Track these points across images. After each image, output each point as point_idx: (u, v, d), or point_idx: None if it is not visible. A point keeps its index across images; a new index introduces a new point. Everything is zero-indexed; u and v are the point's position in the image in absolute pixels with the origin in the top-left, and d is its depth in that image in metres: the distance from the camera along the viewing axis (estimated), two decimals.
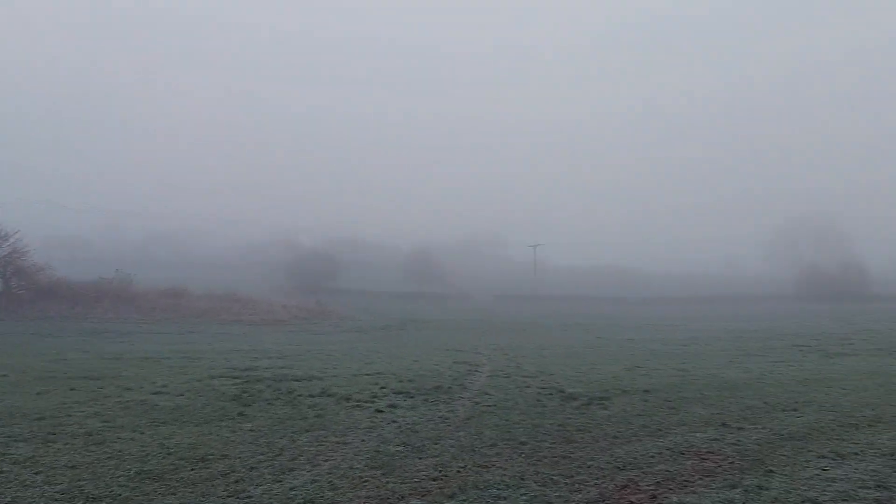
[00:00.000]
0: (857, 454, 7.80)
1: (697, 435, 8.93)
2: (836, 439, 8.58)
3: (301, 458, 7.85)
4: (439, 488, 6.61)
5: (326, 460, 7.72)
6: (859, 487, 6.50)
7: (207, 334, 31.35)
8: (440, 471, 7.21)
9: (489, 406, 11.10)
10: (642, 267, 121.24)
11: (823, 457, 7.70)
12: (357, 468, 7.35)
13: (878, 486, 6.55)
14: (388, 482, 6.84)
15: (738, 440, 8.59)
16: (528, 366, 17.29)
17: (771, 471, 7.14)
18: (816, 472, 7.09)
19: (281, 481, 6.94)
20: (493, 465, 7.43)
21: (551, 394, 12.40)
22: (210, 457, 7.87)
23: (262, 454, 8.01)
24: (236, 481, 6.92)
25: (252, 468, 7.40)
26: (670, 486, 6.64)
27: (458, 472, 7.19)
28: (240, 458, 7.84)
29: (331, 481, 6.90)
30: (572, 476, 7.01)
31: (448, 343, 25.91)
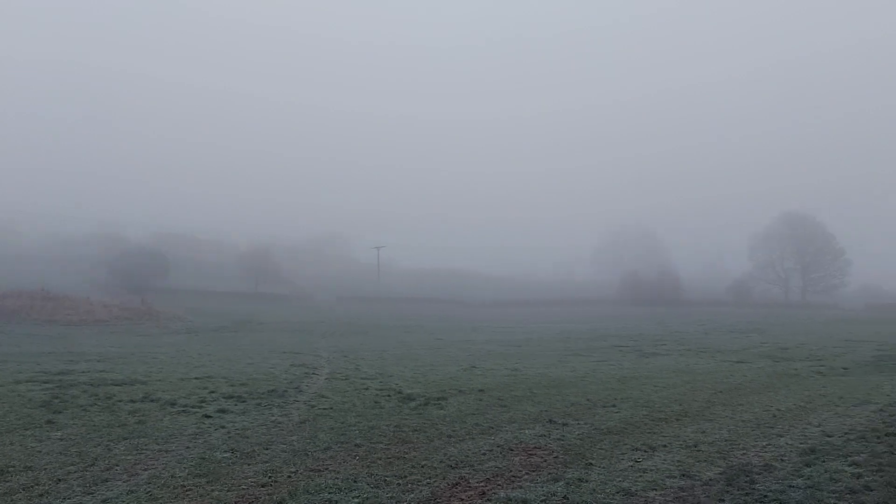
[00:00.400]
0: (665, 446, 8.48)
1: (526, 431, 9.32)
2: (648, 433, 9.29)
3: (117, 467, 7.29)
4: (268, 494, 6.37)
5: (146, 469, 7.22)
6: (667, 477, 7.06)
7: (16, 335, 28.35)
8: (270, 476, 6.96)
9: (325, 409, 10.91)
10: (482, 271, 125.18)
11: (637, 449, 8.30)
12: (179, 476, 6.92)
13: (683, 475, 7.15)
14: (212, 490, 6.49)
15: (563, 435, 9.06)
16: (367, 368, 17.24)
17: (591, 464, 7.58)
18: (630, 463, 7.62)
19: (93, 493, 6.39)
20: (326, 469, 7.29)
21: (389, 395, 12.43)
22: (11, 469, 7.15)
23: (73, 465, 7.37)
24: (41, 495, 6.31)
25: (60, 480, 6.78)
26: (499, 482, 6.85)
27: (289, 477, 6.98)
28: (46, 469, 7.16)
29: (149, 491, 6.44)
30: (405, 476, 7.04)
31: (286, 345, 25.24)
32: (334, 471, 7.22)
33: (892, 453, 8.03)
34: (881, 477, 7.01)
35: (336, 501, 6.20)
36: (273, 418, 10.12)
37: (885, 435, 9.06)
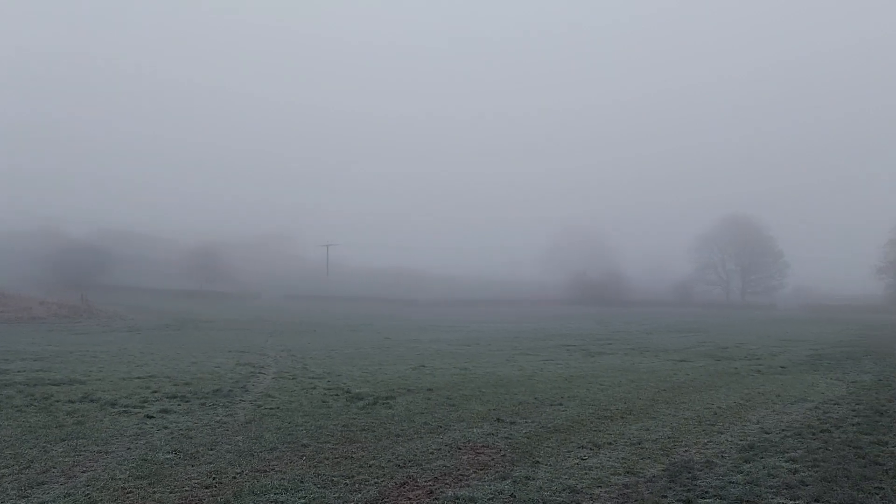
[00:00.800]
0: (610, 444, 8.64)
1: (474, 430, 9.37)
2: (594, 430, 9.44)
3: (54, 469, 7.06)
4: (212, 496, 6.25)
5: (84, 471, 7.00)
6: (611, 474, 7.20)
7: None
8: (214, 478, 6.83)
9: (271, 409, 10.76)
10: (433, 270, 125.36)
11: (583, 447, 8.43)
12: (120, 479, 6.74)
13: (627, 472, 7.30)
14: (154, 492, 6.34)
15: (511, 434, 9.14)
16: (315, 367, 17.07)
17: (538, 462, 7.67)
18: (577, 461, 7.74)
19: (28, 496, 6.18)
20: (272, 470, 7.20)
21: (337, 395, 12.34)
22: None
23: (7, 467, 7.11)
24: None
25: None
26: (447, 481, 6.87)
27: (234, 478, 6.86)
28: None
29: (88, 494, 6.26)
30: (353, 476, 7.00)
31: (232, 344, 24.79)
32: (280, 471, 7.13)
33: (827, 449, 8.35)
34: (816, 472, 7.28)
35: (282, 502, 6.13)
36: (218, 418, 9.93)
37: (820, 431, 9.42)
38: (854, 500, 6.37)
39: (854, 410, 11.11)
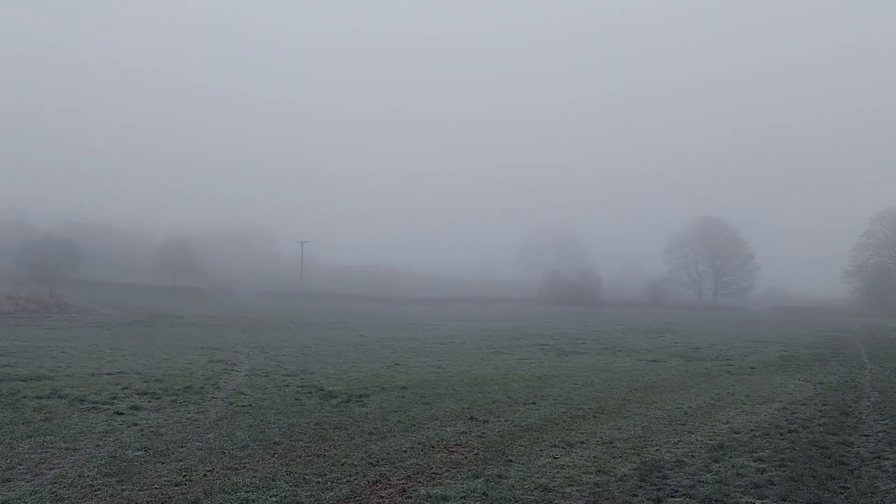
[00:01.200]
0: (582, 443, 8.71)
1: (448, 429, 9.38)
2: (567, 429, 9.51)
3: (20, 466, 6.94)
4: (182, 494, 6.19)
5: (52, 468, 6.89)
6: (583, 473, 7.26)
7: None
8: (184, 475, 6.77)
9: (244, 406, 10.68)
10: (408, 268, 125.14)
11: (555, 446, 8.49)
12: (88, 476, 6.64)
13: (599, 470, 7.36)
14: (123, 490, 6.26)
15: (484, 432, 9.17)
16: (288, 364, 16.97)
17: (510, 460, 7.71)
18: (549, 459, 7.79)
19: None
20: (244, 467, 7.14)
21: (310, 392, 12.28)
22: None
23: None
24: None
25: None
26: (419, 479, 6.88)
27: (205, 475, 6.80)
28: None
29: (55, 492, 6.16)
30: (325, 474, 6.97)
31: (204, 341, 24.53)
32: (252, 469, 7.08)
33: (794, 449, 8.50)
34: (783, 472, 7.40)
35: (253, 500, 6.09)
36: (189, 415, 9.84)
37: (788, 431, 9.58)
38: (820, 499, 6.49)
39: (821, 411, 11.32)
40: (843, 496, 6.61)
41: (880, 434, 9.49)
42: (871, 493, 6.73)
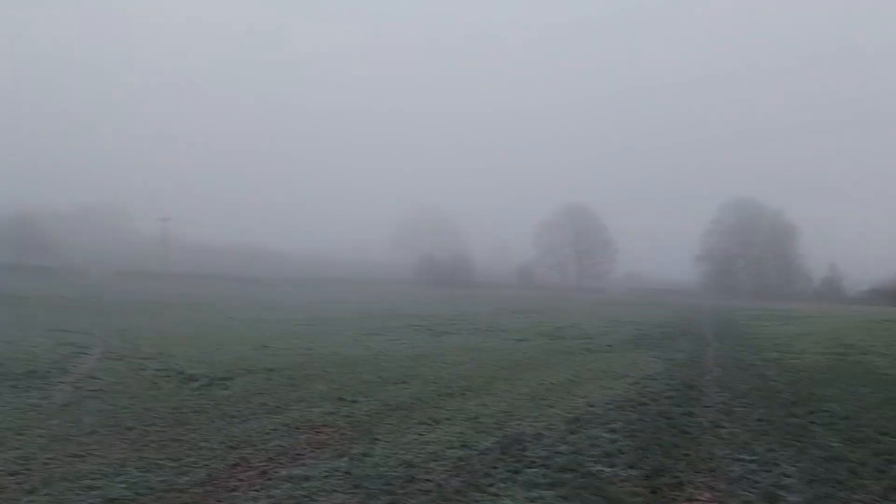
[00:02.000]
0: (448, 419, 8.86)
1: (315, 410, 9.24)
2: (435, 407, 9.64)
3: None
4: (17, 483, 5.72)
5: None
6: (447, 448, 7.38)
7: None
8: (22, 464, 6.26)
9: (94, 391, 10.03)
10: (279, 247, 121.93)
11: (423, 423, 8.58)
12: None
13: (462, 445, 7.51)
14: None
15: (352, 412, 9.11)
16: (146, 347, 16.08)
17: (377, 439, 7.71)
18: (415, 437, 7.86)
19: None
20: (90, 454, 6.70)
21: (169, 376, 11.71)
22: None
23: None
24: None
25: None
26: (282, 461, 6.73)
27: (45, 464, 6.32)
28: None
29: None
30: (181, 459, 6.66)
31: (52, 323, 22.74)
32: (99, 456, 6.65)
33: (644, 420, 9.06)
34: (633, 441, 7.87)
35: (99, 487, 5.72)
36: (30, 401, 9.11)
37: (639, 404, 10.20)
38: (664, 465, 6.95)
39: (669, 385, 12.14)
40: (684, 462, 7.11)
41: (719, 405, 10.30)
42: (710, 458, 7.29)
